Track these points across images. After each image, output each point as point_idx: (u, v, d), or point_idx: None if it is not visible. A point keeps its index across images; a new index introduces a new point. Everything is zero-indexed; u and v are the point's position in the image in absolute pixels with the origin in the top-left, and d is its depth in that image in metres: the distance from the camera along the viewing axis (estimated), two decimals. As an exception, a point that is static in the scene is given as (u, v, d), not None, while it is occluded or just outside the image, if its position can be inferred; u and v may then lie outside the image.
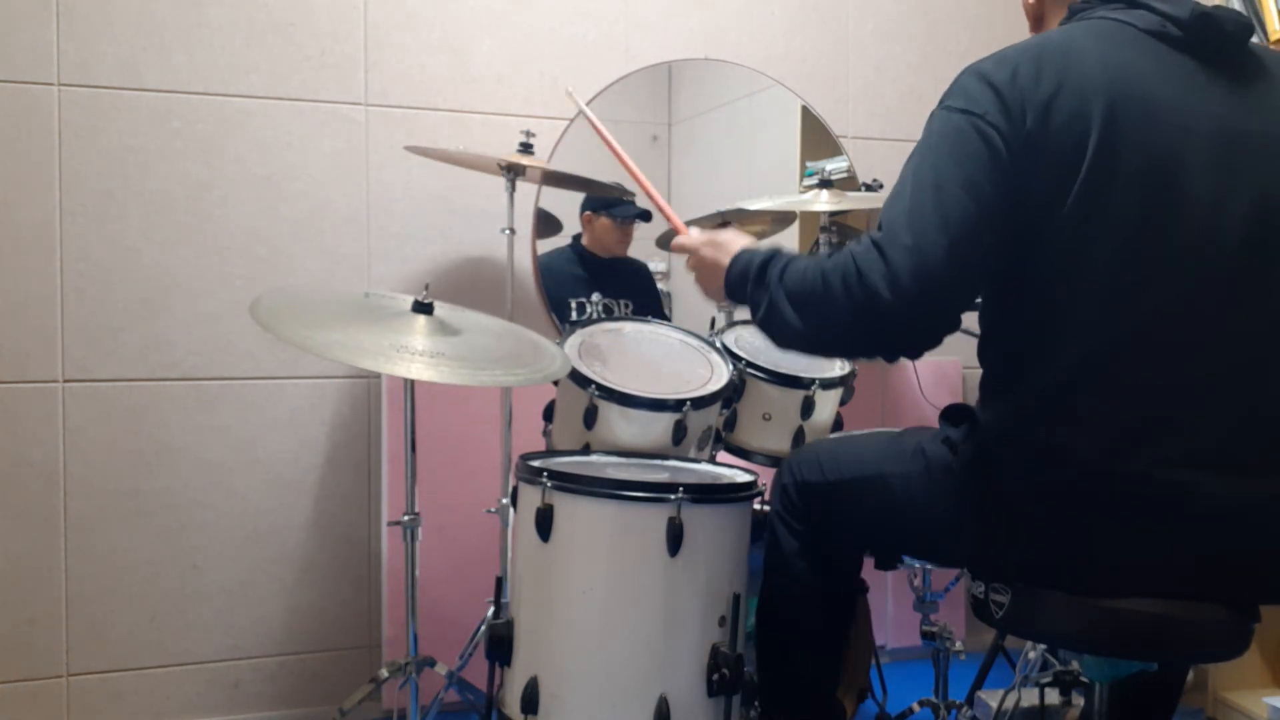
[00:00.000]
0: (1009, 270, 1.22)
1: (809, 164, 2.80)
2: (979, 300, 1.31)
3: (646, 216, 2.61)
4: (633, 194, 2.42)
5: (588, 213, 2.62)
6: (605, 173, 2.48)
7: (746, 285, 1.34)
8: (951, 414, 1.37)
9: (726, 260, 1.40)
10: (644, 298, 2.66)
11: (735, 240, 1.43)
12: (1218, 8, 1.23)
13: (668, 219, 1.71)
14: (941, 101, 1.24)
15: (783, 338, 1.29)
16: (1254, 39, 1.27)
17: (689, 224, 1.65)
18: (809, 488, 1.52)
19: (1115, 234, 1.16)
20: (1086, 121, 1.16)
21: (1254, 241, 1.18)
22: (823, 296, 1.21)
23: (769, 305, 1.28)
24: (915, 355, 1.24)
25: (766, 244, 1.38)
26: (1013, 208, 1.18)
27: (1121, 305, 1.17)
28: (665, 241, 2.69)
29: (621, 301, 2.61)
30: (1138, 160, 1.16)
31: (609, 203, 2.57)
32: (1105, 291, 1.17)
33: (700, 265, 1.48)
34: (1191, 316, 1.17)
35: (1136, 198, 1.16)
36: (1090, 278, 1.17)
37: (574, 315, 2.56)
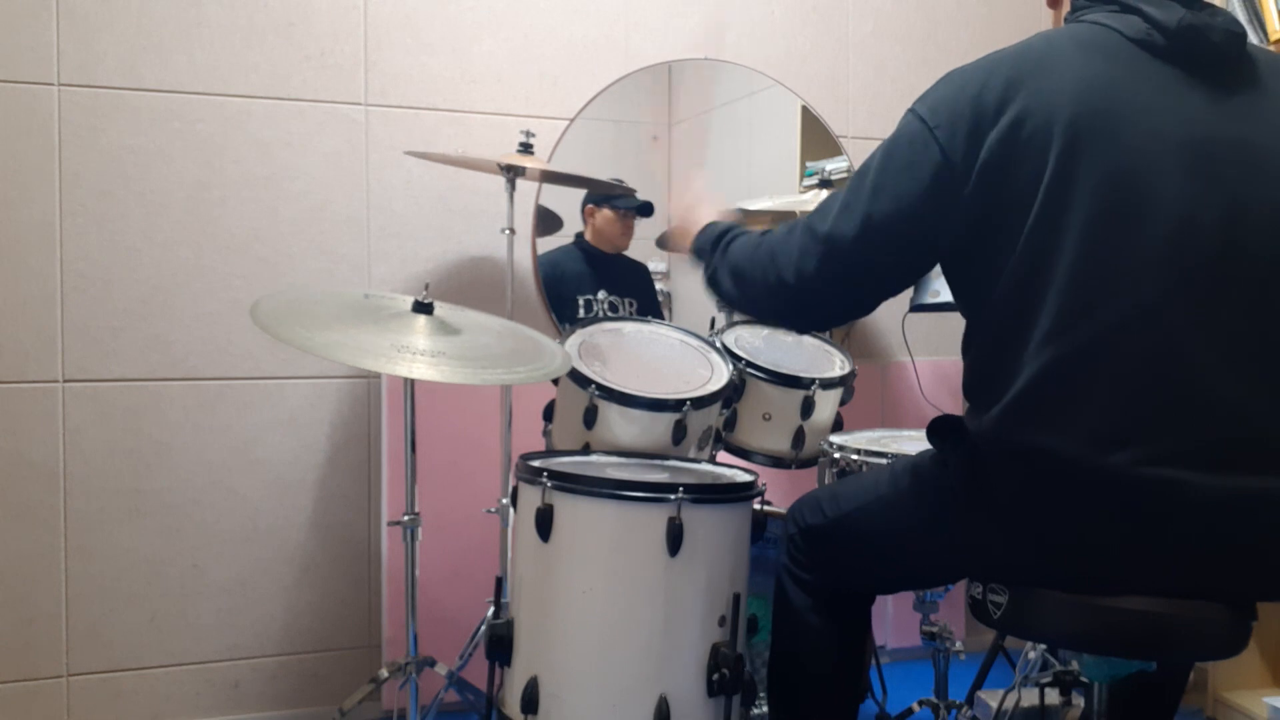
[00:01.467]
0: (980, 280, 1.24)
1: (809, 164, 2.80)
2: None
3: (648, 210, 2.61)
4: (634, 188, 2.43)
5: (590, 205, 2.62)
6: (605, 170, 2.49)
7: (702, 257, 1.56)
8: (937, 427, 1.38)
9: (700, 223, 1.61)
10: (645, 296, 2.66)
11: (704, 216, 1.63)
12: (1213, 12, 1.23)
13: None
14: (917, 98, 1.29)
15: (720, 298, 1.51)
16: (1249, 42, 1.27)
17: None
18: (813, 531, 1.52)
19: (1078, 244, 1.17)
20: (1048, 138, 1.18)
21: (1226, 244, 1.18)
22: (748, 273, 1.42)
23: (713, 273, 1.51)
24: (822, 329, 1.50)
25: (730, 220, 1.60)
26: (947, 223, 1.24)
27: (1087, 312, 1.17)
28: (665, 242, 2.69)
29: (627, 299, 2.61)
30: (1100, 170, 1.17)
31: (611, 195, 2.57)
32: (1070, 300, 1.17)
33: (677, 233, 1.68)
34: (1165, 318, 1.17)
35: (1098, 209, 1.17)
36: (1056, 287, 1.18)
37: (581, 312, 2.56)
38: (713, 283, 1.51)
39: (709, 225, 1.58)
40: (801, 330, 1.47)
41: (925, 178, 1.23)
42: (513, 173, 2.21)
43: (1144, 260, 1.17)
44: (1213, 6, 1.25)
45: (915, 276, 1.37)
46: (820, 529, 1.50)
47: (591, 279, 2.57)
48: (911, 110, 1.28)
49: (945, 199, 1.23)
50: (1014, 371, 1.21)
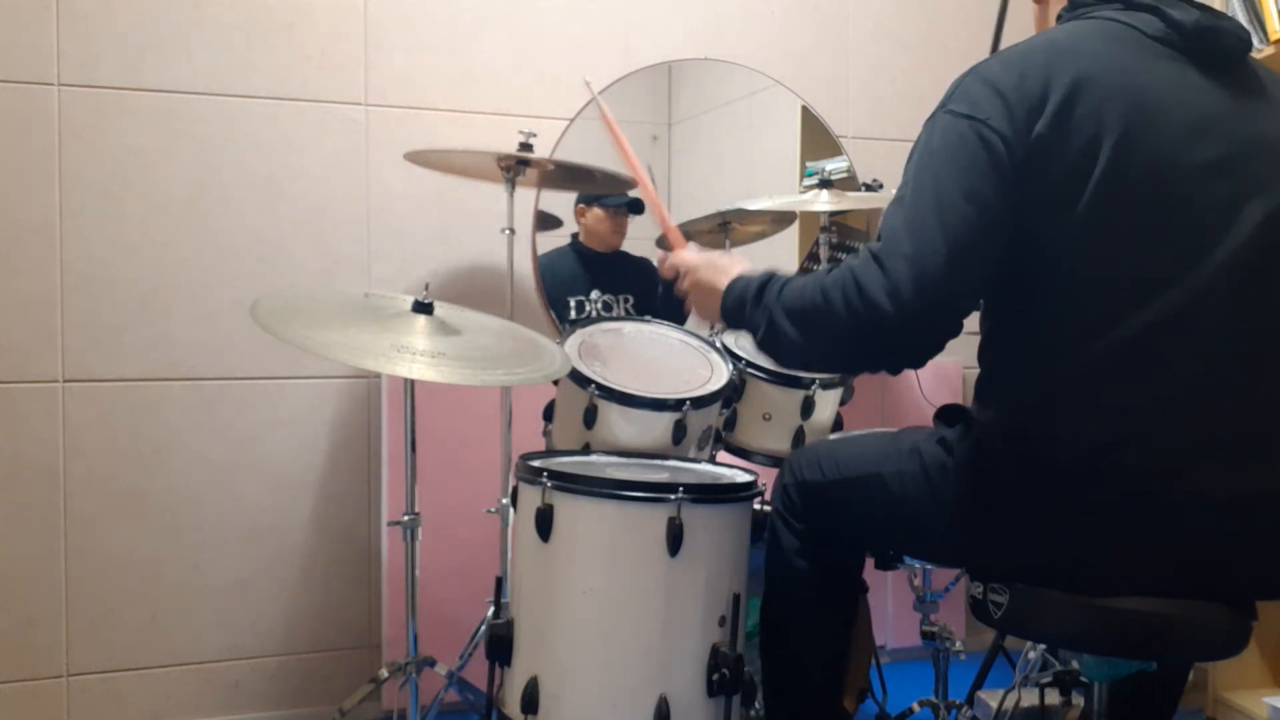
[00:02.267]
0: (1013, 273, 1.22)
1: (809, 164, 2.80)
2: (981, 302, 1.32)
3: (638, 207, 2.61)
4: (631, 183, 2.41)
5: (580, 205, 2.62)
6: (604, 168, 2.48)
7: (744, 308, 1.34)
8: (946, 414, 1.37)
9: (724, 283, 1.40)
10: (645, 294, 2.66)
11: (734, 264, 1.43)
12: (1220, 16, 1.24)
13: (665, 228, 1.71)
14: (943, 104, 1.23)
15: (785, 356, 1.30)
16: (1252, 51, 1.28)
17: (685, 228, 1.65)
18: (809, 487, 1.52)
19: (1122, 239, 1.16)
20: (1098, 128, 1.15)
21: (1261, 246, 1.18)
22: (824, 312, 1.21)
23: (769, 325, 1.28)
24: (918, 365, 1.24)
25: (763, 268, 1.38)
26: (1015, 214, 1.17)
27: (1132, 308, 1.17)
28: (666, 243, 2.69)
29: (621, 297, 2.61)
30: (1147, 167, 1.16)
31: (601, 194, 2.57)
32: (1116, 294, 1.17)
33: (697, 286, 1.49)
34: (1194, 320, 1.17)
35: (1145, 204, 1.16)
36: (1102, 281, 1.17)
37: (573, 314, 2.56)
38: (770, 341, 1.29)
39: (737, 279, 1.38)
40: (896, 369, 1.28)
41: (991, 172, 1.16)
42: (513, 173, 2.20)
43: (1183, 260, 1.16)
44: (1218, 11, 1.25)
45: (996, 280, 1.25)
46: (817, 486, 1.50)
47: (585, 280, 2.57)
48: (949, 112, 1.21)
49: (1011, 188, 1.17)
50: (1044, 369, 1.21)
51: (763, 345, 1.31)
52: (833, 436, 2.04)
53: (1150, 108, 1.17)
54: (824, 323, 1.22)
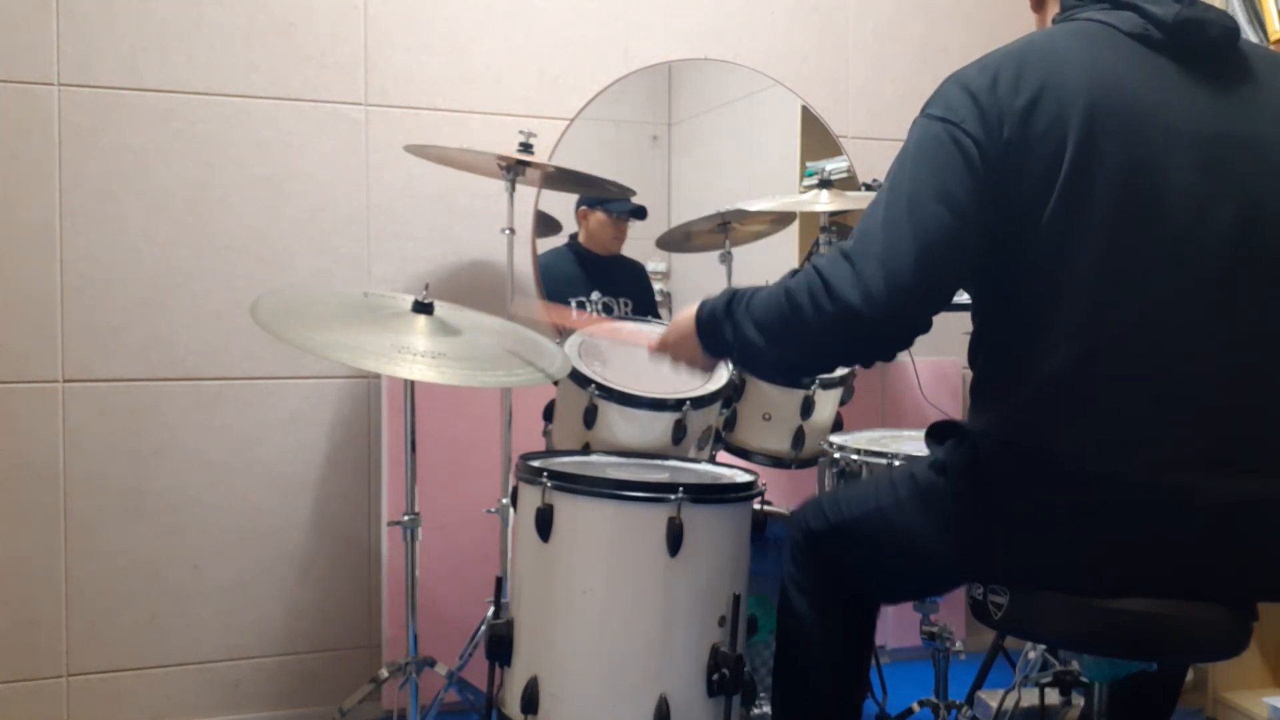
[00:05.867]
0: (996, 275, 1.23)
1: (809, 164, 2.80)
2: (971, 303, 1.32)
3: (641, 214, 2.61)
4: (631, 191, 2.42)
5: (583, 208, 2.62)
6: (605, 171, 2.48)
7: (718, 332, 1.36)
8: (936, 431, 1.37)
9: (691, 323, 1.42)
10: (641, 297, 2.66)
11: (689, 308, 1.44)
12: (1206, 8, 1.23)
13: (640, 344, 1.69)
14: (923, 109, 1.26)
15: (763, 370, 1.34)
16: (1242, 39, 1.27)
17: (685, 229, 1.64)
18: (816, 537, 1.51)
19: (1096, 239, 1.16)
20: (1064, 129, 1.16)
21: (1240, 243, 1.17)
22: (790, 318, 1.24)
23: (741, 341, 1.31)
24: (888, 359, 1.27)
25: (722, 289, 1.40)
26: (990, 215, 1.19)
27: (1107, 310, 1.17)
28: (665, 242, 2.69)
29: (621, 300, 2.61)
30: (1117, 166, 1.16)
31: (605, 198, 2.57)
32: (1090, 296, 1.17)
33: (675, 347, 1.49)
34: (1178, 319, 1.17)
35: (1116, 203, 1.16)
36: (1074, 282, 1.17)
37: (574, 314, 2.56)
38: (746, 357, 1.32)
39: (700, 309, 1.40)
40: (869, 364, 1.31)
41: (965, 173, 1.18)
42: (513, 173, 2.20)
43: (1158, 260, 1.16)
44: (1205, 3, 1.25)
45: (970, 278, 1.29)
46: (823, 533, 1.50)
47: (584, 281, 2.57)
48: (926, 116, 1.24)
49: (984, 190, 1.18)
50: (1026, 373, 1.20)
51: (740, 363, 1.34)
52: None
53: (1119, 109, 1.17)
54: (794, 328, 1.25)
